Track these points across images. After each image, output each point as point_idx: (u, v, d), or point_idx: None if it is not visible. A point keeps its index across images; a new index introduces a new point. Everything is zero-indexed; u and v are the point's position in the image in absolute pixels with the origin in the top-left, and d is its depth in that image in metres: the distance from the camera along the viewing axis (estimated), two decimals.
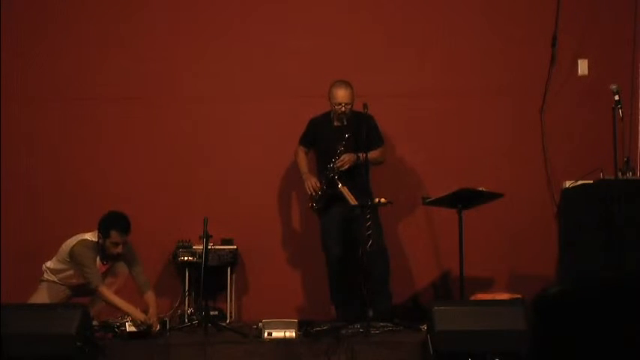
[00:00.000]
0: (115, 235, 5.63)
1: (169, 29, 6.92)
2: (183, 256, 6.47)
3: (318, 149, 6.35)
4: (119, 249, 5.67)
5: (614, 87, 5.62)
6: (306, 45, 6.87)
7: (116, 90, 6.86)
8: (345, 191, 5.91)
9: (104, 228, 5.66)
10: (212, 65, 6.89)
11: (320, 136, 6.29)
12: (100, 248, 5.70)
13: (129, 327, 5.47)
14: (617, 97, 5.57)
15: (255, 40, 6.90)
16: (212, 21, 6.93)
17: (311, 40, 6.88)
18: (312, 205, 6.24)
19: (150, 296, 5.78)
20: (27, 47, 6.87)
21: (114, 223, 5.66)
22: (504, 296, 5.87)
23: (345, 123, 6.11)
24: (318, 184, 6.14)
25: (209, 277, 5.94)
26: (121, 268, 5.85)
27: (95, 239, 5.70)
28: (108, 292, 5.65)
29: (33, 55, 6.88)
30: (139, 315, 5.56)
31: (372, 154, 6.04)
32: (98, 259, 5.74)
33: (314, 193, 6.17)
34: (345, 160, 6.01)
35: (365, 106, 5.79)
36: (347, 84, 6.14)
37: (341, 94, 6.10)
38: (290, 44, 6.89)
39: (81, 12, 6.92)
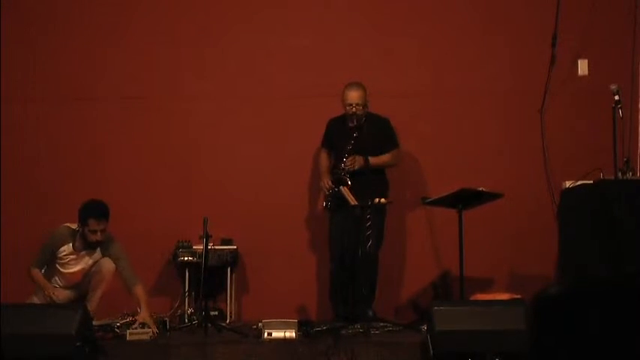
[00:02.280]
0: (92, 222, 5.69)
1: (170, 29, 6.92)
2: (183, 256, 6.47)
3: (333, 149, 6.36)
4: (98, 236, 5.71)
5: (614, 87, 5.62)
6: (306, 45, 6.87)
7: (116, 90, 6.86)
8: (346, 192, 5.91)
9: (82, 216, 5.74)
10: (212, 65, 6.89)
11: (335, 137, 6.32)
12: (79, 236, 5.78)
13: (130, 335, 5.44)
14: (617, 97, 5.56)
15: (255, 39, 6.90)
16: (212, 21, 6.93)
17: (311, 40, 6.89)
18: (325, 204, 6.26)
19: (138, 290, 5.73)
20: (27, 47, 6.87)
21: (90, 210, 5.73)
22: (504, 296, 5.87)
23: (356, 123, 6.12)
24: (329, 183, 6.16)
25: (209, 277, 5.94)
26: (107, 264, 5.84)
27: (75, 227, 5.80)
28: (35, 273, 5.79)
29: (33, 55, 6.89)
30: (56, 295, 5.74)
31: (383, 158, 6.10)
32: (70, 246, 5.81)
33: (326, 192, 6.19)
34: (355, 161, 6.03)
35: (365, 106, 5.80)
36: (358, 85, 6.18)
37: (351, 95, 6.14)
38: (290, 44, 6.89)
39: (81, 12, 6.92)
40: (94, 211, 5.71)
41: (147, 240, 6.65)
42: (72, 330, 4.80)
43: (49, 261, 5.85)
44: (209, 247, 5.93)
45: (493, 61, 6.87)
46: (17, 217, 6.69)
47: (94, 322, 5.41)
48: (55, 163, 6.82)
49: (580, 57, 6.85)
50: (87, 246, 5.80)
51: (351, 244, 6.09)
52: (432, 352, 4.86)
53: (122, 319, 5.64)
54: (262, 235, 6.75)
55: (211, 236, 5.90)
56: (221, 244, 6.48)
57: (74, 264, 5.85)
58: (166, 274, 6.72)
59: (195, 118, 6.89)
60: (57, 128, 6.87)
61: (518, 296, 5.67)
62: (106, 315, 5.93)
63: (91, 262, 5.85)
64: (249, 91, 6.88)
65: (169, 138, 6.87)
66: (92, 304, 5.74)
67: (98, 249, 5.84)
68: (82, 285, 5.86)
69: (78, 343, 4.79)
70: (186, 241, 6.48)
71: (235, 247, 6.55)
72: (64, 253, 5.82)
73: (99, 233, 5.70)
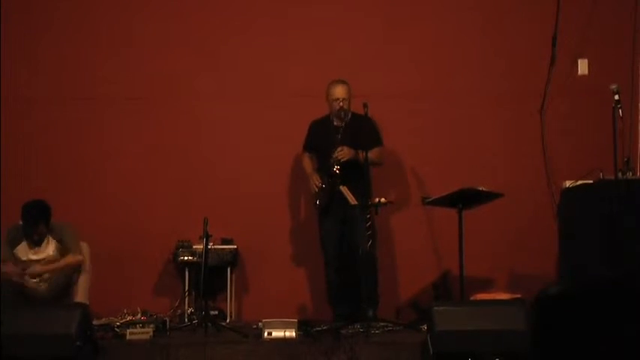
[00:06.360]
0: (25, 226, 5.79)
1: (170, 29, 6.91)
2: (183, 256, 6.47)
3: (318, 150, 6.36)
4: (33, 238, 5.78)
5: (614, 87, 5.61)
6: (306, 45, 6.87)
7: (116, 90, 6.86)
8: (345, 191, 5.91)
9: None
10: (212, 65, 6.89)
11: (320, 137, 6.31)
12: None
13: (129, 335, 5.45)
14: (617, 97, 5.56)
15: (255, 39, 6.90)
16: (212, 21, 6.93)
17: (311, 40, 6.89)
18: (316, 202, 6.25)
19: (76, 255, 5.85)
20: (27, 47, 6.87)
21: (22, 215, 5.80)
22: (504, 296, 5.87)
23: (343, 124, 6.14)
24: (320, 180, 6.16)
25: (209, 277, 5.94)
26: (70, 259, 5.84)
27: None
28: (4, 265, 5.77)
29: (33, 55, 6.88)
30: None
31: (371, 154, 6.06)
32: (25, 244, 5.84)
33: (316, 189, 6.18)
34: (345, 151, 6.03)
35: (365, 105, 5.78)
36: (343, 81, 6.21)
37: (338, 90, 6.17)
38: (290, 44, 6.89)
39: (81, 12, 6.92)
40: (24, 217, 5.79)
41: (147, 240, 6.65)
42: (72, 330, 4.81)
43: (10, 256, 5.82)
44: (209, 247, 5.93)
45: (493, 61, 6.87)
46: (18, 217, 6.67)
47: (94, 322, 5.42)
48: (55, 163, 6.81)
49: (580, 57, 6.85)
50: (33, 242, 5.85)
51: (347, 245, 6.10)
52: (432, 352, 4.86)
53: (122, 319, 5.64)
54: (262, 235, 6.75)
55: (211, 236, 5.90)
56: (221, 244, 6.49)
57: (35, 256, 5.87)
58: (166, 273, 6.71)
59: (196, 119, 6.88)
60: (57, 128, 6.86)
61: (518, 296, 5.67)
62: (106, 315, 5.93)
63: (50, 252, 5.87)
64: (250, 91, 6.87)
65: (169, 138, 6.86)
66: (80, 295, 5.77)
67: (49, 237, 5.87)
68: (57, 279, 5.83)
69: (78, 343, 4.80)
70: (186, 241, 6.48)
71: (235, 246, 6.55)
72: (23, 252, 5.85)
73: (35, 236, 5.79)
